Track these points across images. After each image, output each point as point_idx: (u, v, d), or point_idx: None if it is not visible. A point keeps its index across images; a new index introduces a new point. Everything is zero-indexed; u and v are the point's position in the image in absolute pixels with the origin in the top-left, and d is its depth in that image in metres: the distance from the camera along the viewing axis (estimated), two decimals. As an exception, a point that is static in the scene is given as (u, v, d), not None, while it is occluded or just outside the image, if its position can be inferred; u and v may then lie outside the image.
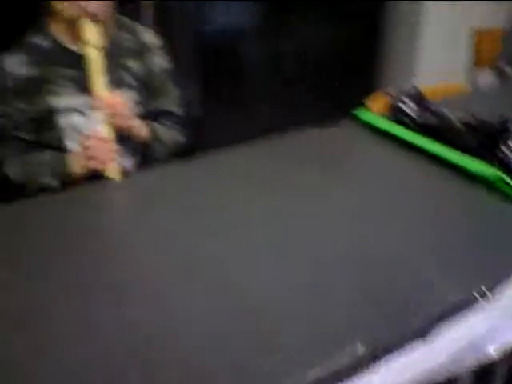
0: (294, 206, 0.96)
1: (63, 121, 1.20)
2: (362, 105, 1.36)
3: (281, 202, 0.97)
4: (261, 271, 0.78)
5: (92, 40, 1.12)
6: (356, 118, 1.30)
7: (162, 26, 2.66)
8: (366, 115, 1.30)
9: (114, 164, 1.14)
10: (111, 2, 1.15)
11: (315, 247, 0.84)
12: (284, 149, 1.19)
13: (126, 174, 1.22)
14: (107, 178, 1.13)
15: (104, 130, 1.14)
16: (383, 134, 1.22)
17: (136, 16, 2.10)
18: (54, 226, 0.91)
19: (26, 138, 1.22)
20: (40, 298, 0.73)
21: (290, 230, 0.88)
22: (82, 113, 1.21)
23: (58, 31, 1.19)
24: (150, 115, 1.30)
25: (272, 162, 1.13)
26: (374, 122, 1.26)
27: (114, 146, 1.14)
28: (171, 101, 1.34)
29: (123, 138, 1.23)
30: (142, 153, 1.30)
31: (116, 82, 1.21)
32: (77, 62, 1.16)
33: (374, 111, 1.33)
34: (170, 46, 2.61)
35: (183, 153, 1.46)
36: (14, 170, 1.24)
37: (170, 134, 1.33)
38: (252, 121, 2.50)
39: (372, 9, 2.75)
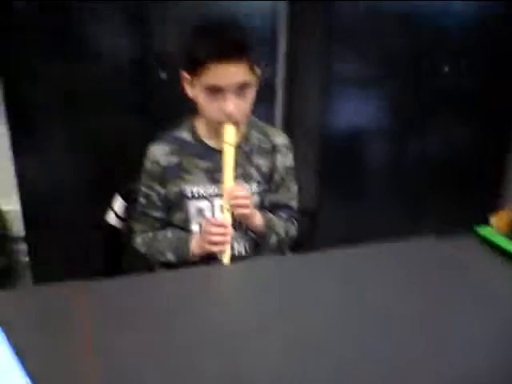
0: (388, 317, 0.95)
1: (192, 205, 1.34)
2: (485, 221, 1.32)
3: (375, 311, 0.97)
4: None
5: (228, 138, 1.25)
6: (477, 234, 1.27)
7: (290, 126, 2.86)
8: (487, 232, 1.26)
9: (228, 249, 1.24)
10: (249, 107, 1.28)
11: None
12: (394, 256, 1.19)
13: (238, 259, 1.33)
14: (220, 262, 1.22)
15: (224, 217, 1.25)
16: (505, 255, 1.18)
17: (268, 117, 2.30)
18: (165, 299, 0.99)
19: (158, 216, 1.37)
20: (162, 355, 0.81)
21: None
22: (209, 200, 1.33)
23: (200, 128, 1.35)
24: (268, 207, 1.40)
25: (377, 269, 1.14)
26: (496, 240, 1.22)
27: (231, 233, 1.24)
28: (290, 195, 1.42)
29: (241, 226, 1.34)
30: (257, 242, 1.38)
31: (243, 176, 1.34)
32: (212, 155, 1.30)
33: (497, 229, 1.28)
34: (295, 143, 2.77)
35: (296, 245, 1.54)
36: (142, 243, 1.39)
37: (285, 227, 1.40)
38: (368, 221, 2.51)
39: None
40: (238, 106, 1.23)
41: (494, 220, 1.34)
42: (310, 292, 1.04)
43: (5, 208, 2.49)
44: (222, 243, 1.23)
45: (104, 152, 2.20)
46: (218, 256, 1.25)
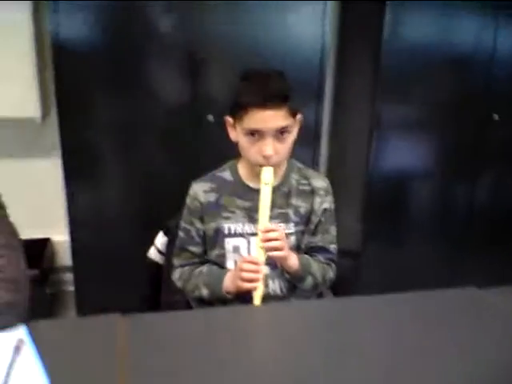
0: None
1: (228, 243, 1.36)
2: None
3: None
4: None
5: (265, 179, 1.29)
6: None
7: (334, 169, 2.87)
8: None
9: (260, 288, 1.25)
10: (288, 150, 1.32)
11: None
12: (434, 304, 1.16)
13: (273, 299, 1.34)
14: (252, 301, 1.23)
15: (258, 256, 1.27)
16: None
17: (313, 159, 2.32)
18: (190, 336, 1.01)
19: (196, 251, 1.40)
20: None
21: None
22: (245, 238, 1.36)
23: (241, 169, 1.39)
24: (306, 249, 1.40)
25: (414, 316, 1.12)
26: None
27: (263, 271, 1.26)
28: (328, 239, 1.42)
29: (276, 266, 1.35)
30: (293, 283, 1.38)
31: (281, 217, 1.36)
32: (251, 195, 1.34)
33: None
34: (340, 185, 2.76)
35: (337, 285, 1.53)
36: (179, 278, 1.42)
37: (322, 270, 1.40)
38: (410, 266, 2.46)
39: None
40: (276, 149, 1.27)
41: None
42: (338, 337, 1.03)
43: (55, 238, 2.60)
44: (254, 280, 1.24)
45: (151, 189, 2.29)
46: (251, 295, 1.26)
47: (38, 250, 2.48)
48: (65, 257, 2.51)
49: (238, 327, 1.08)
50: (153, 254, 1.63)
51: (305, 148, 2.31)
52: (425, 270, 2.50)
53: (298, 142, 2.31)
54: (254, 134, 1.26)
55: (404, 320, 1.11)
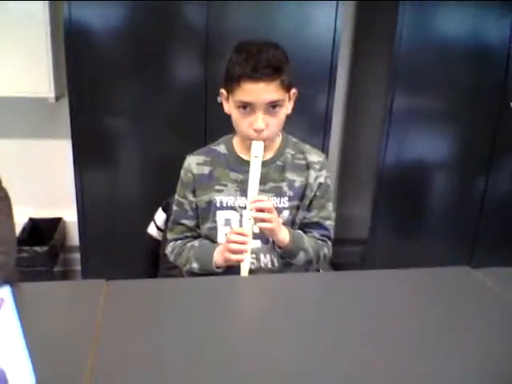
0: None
1: (220, 215, 1.36)
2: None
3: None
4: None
5: (255, 152, 1.27)
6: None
7: (347, 157, 2.84)
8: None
9: (247, 260, 1.25)
10: (280, 124, 1.30)
11: None
12: (422, 281, 1.15)
13: (265, 272, 1.34)
14: (239, 272, 1.23)
15: (247, 228, 1.25)
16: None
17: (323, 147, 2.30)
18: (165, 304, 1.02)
19: (189, 225, 1.40)
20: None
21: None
22: (237, 211, 1.35)
23: (236, 142, 1.38)
24: (301, 225, 1.39)
25: (399, 292, 1.10)
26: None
27: (250, 242, 1.24)
28: (324, 214, 1.40)
29: (268, 240, 1.34)
30: (285, 257, 1.36)
31: (275, 191, 1.35)
32: (244, 168, 1.32)
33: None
34: (353, 174, 2.72)
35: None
36: (171, 252, 1.42)
37: (316, 246, 1.37)
38: (420, 255, 2.41)
39: None
40: (267, 123, 1.26)
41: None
42: (316, 309, 1.02)
43: (68, 218, 2.64)
44: (241, 252, 1.24)
45: (160, 172, 2.30)
46: (238, 267, 1.26)
47: (49, 229, 2.53)
48: (77, 236, 2.54)
49: (220, 296, 1.08)
50: (152, 230, 1.64)
51: (315, 136, 2.30)
52: (435, 261, 2.45)
53: (308, 130, 2.35)
54: (246, 106, 1.25)
55: (397, 294, 1.09)
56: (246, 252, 1.24)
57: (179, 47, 2.18)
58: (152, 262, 1.67)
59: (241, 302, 1.10)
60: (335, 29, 2.19)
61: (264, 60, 1.21)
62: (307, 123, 2.34)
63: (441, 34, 2.29)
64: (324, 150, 2.33)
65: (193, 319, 0.96)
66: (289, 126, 1.44)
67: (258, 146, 1.27)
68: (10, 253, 1.11)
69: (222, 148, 1.39)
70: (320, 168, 1.38)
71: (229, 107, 1.31)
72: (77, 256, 2.46)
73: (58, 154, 2.46)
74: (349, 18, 2.60)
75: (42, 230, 2.57)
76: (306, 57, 2.23)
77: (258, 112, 1.24)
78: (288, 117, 1.32)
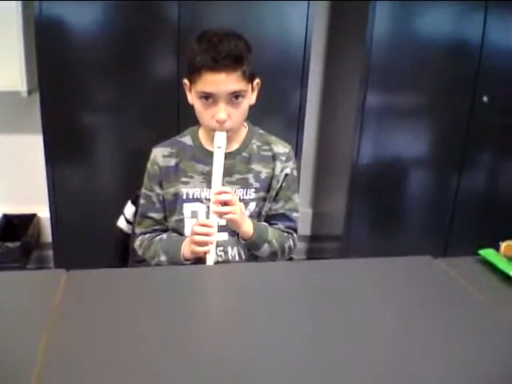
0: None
1: (186, 208, 1.35)
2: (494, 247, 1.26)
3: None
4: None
5: (218, 143, 1.27)
6: (482, 258, 1.20)
7: (322, 153, 2.85)
8: (489, 254, 1.19)
9: (213, 251, 1.25)
10: (242, 115, 1.30)
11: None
12: (388, 271, 1.15)
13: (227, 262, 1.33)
14: (205, 263, 1.23)
15: (212, 219, 1.25)
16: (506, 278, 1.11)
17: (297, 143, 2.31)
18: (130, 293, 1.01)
19: (157, 218, 1.40)
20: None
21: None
22: (203, 203, 1.35)
23: (201, 134, 1.38)
24: (267, 217, 1.39)
25: (366, 281, 1.11)
26: (495, 262, 1.15)
27: (215, 234, 1.24)
28: (290, 206, 1.40)
29: (235, 233, 1.34)
30: (249, 249, 1.37)
31: (241, 183, 1.35)
32: (210, 159, 1.31)
33: (503, 254, 1.21)
34: (327, 170, 2.72)
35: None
36: (140, 245, 1.41)
37: (280, 238, 1.38)
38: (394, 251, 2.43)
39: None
40: (230, 114, 1.25)
41: (503, 245, 1.26)
42: (283, 299, 1.02)
43: (42, 215, 2.61)
44: (206, 243, 1.23)
45: (134, 168, 2.27)
46: (204, 259, 1.26)
47: (23, 225, 2.51)
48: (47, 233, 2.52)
49: (184, 285, 1.07)
50: (121, 223, 1.63)
51: (289, 133, 2.30)
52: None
53: (281, 127, 2.35)
54: (208, 97, 1.24)
55: (361, 283, 1.10)
56: (211, 243, 1.24)
57: (152, 42, 2.17)
58: (122, 255, 1.66)
59: (206, 290, 1.09)
60: (307, 25, 2.19)
61: (225, 50, 1.20)
62: (281, 120, 2.35)
63: (414, 30, 2.31)
64: (298, 146, 2.33)
65: (154, 308, 0.95)
66: (262, 123, 1.45)
67: (220, 137, 1.27)
68: None
69: (187, 139, 1.39)
70: (286, 159, 1.39)
71: (192, 98, 1.30)
72: (50, 253, 2.43)
73: (31, 149, 2.42)
74: (322, 14, 2.60)
75: (16, 227, 2.54)
76: (278, 53, 2.24)
77: (220, 103, 1.24)
78: (261, 114, 1.32)
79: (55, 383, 0.73)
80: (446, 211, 2.56)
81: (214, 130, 1.27)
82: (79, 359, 0.78)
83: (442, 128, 2.48)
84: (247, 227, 1.30)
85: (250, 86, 1.28)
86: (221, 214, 1.25)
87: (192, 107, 1.32)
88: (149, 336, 0.85)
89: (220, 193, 1.24)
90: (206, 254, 1.25)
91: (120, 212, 1.62)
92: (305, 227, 2.87)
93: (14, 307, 0.94)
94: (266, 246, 1.34)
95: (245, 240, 1.33)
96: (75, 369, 0.76)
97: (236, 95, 1.24)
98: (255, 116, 1.41)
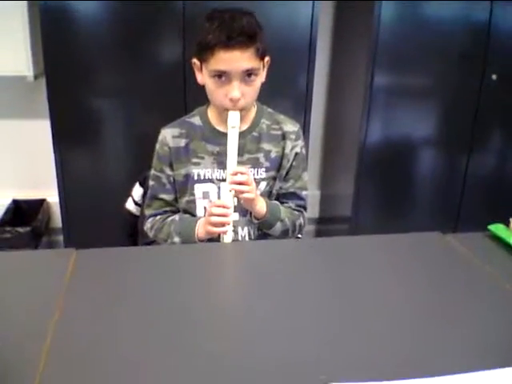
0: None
1: (198, 188, 1.35)
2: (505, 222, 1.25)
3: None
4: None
5: (232, 122, 1.27)
6: (491, 233, 1.20)
7: (329, 135, 2.84)
8: (499, 229, 1.19)
9: (230, 231, 1.24)
10: (255, 93, 1.30)
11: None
12: (397, 247, 1.16)
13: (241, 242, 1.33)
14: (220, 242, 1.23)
15: (227, 199, 1.25)
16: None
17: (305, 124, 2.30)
18: (144, 271, 1.02)
19: (167, 199, 1.40)
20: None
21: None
22: (214, 183, 1.35)
23: (211, 114, 1.37)
24: (277, 196, 1.39)
25: (378, 257, 1.11)
26: (505, 236, 1.15)
27: (232, 214, 1.25)
28: (300, 185, 1.41)
29: (245, 211, 1.34)
30: (263, 231, 1.37)
31: (252, 162, 1.35)
32: (220, 139, 1.32)
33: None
34: (335, 151, 2.70)
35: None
36: (151, 227, 1.41)
37: (292, 216, 1.38)
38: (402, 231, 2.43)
39: None
40: (243, 92, 1.24)
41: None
42: (300, 275, 1.02)
43: (52, 200, 2.63)
44: (222, 224, 1.23)
45: (141, 151, 2.28)
46: (220, 238, 1.26)
47: (33, 210, 2.52)
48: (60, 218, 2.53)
49: (196, 262, 1.07)
50: (130, 205, 1.64)
51: (296, 114, 2.29)
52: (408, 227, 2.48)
53: (289, 108, 2.33)
54: (221, 76, 1.23)
55: (370, 258, 1.10)
56: (228, 224, 1.24)
57: (157, 26, 2.16)
58: (131, 237, 1.66)
59: (218, 267, 1.09)
60: (314, 5, 2.17)
61: (238, 27, 1.19)
62: (288, 102, 2.34)
63: (422, 9, 2.28)
64: (306, 128, 2.33)
65: (164, 285, 0.95)
66: (269, 104, 1.44)
67: (234, 116, 1.27)
68: None
69: (196, 120, 1.38)
70: (296, 138, 1.38)
71: (202, 77, 1.29)
72: (60, 238, 2.45)
73: (39, 133, 2.43)
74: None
75: (26, 212, 2.56)
76: (285, 33, 2.22)
77: (234, 81, 1.23)
78: (269, 95, 1.31)
79: (65, 358, 0.74)
80: (456, 192, 2.55)
81: (227, 110, 1.27)
82: (89, 335, 0.79)
83: (450, 108, 2.46)
84: (261, 206, 1.30)
85: (261, 63, 1.27)
86: (239, 193, 1.24)
87: (198, 87, 1.32)
88: (159, 313, 0.86)
89: (236, 173, 1.24)
90: (221, 234, 1.25)
91: (128, 195, 1.63)
92: (313, 209, 2.88)
93: (24, 285, 0.94)
94: (278, 225, 1.34)
95: (258, 219, 1.33)
96: (85, 344, 0.77)
97: (249, 73, 1.23)
98: (262, 98, 1.40)
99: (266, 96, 1.42)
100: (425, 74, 2.40)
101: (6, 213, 2.48)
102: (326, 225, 2.88)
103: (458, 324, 0.86)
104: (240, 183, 1.24)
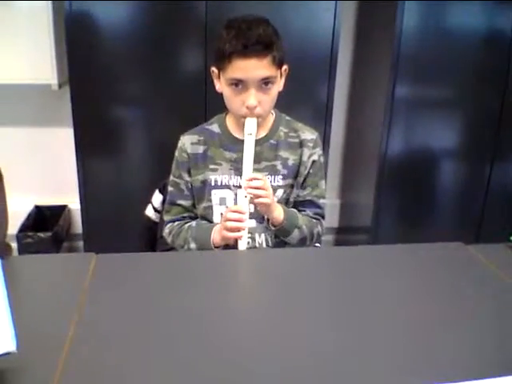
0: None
1: (215, 194, 1.36)
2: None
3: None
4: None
5: (249, 129, 1.27)
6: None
7: (350, 145, 2.83)
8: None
9: (245, 238, 1.24)
10: (272, 101, 1.30)
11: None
12: (417, 257, 1.14)
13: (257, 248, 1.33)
14: (236, 248, 1.23)
15: (243, 205, 1.25)
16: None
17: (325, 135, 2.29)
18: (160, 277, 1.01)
19: (186, 205, 1.40)
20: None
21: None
22: (231, 190, 1.35)
23: (229, 121, 1.38)
24: (295, 203, 1.39)
25: (395, 267, 1.09)
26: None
27: (247, 220, 1.25)
28: (317, 193, 1.40)
29: (262, 220, 1.34)
30: (279, 236, 1.36)
31: (269, 169, 1.35)
32: (238, 146, 1.33)
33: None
34: (356, 161, 2.69)
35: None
36: (169, 233, 1.42)
37: (310, 224, 1.37)
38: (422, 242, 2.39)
39: None
40: (260, 100, 1.25)
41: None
42: (314, 284, 1.02)
43: (73, 206, 2.66)
44: (238, 229, 1.24)
45: (162, 160, 2.30)
46: (235, 244, 1.26)
47: (54, 216, 2.56)
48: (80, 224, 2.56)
49: (213, 269, 1.08)
50: (149, 212, 1.65)
51: (317, 123, 2.28)
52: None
53: (310, 118, 2.33)
54: (238, 84, 1.24)
55: (391, 268, 1.10)
56: (243, 229, 1.24)
57: (179, 34, 2.19)
58: (150, 243, 1.67)
59: (235, 274, 1.10)
60: (335, 16, 2.17)
61: (255, 36, 1.20)
62: (309, 111, 2.35)
63: (444, 20, 2.27)
64: (326, 137, 2.32)
65: (182, 291, 0.96)
66: (290, 113, 1.44)
67: (251, 123, 1.27)
68: (1, 226, 1.12)
69: (215, 127, 1.39)
70: (313, 146, 1.38)
71: (220, 85, 1.30)
72: (80, 244, 2.48)
73: (63, 140, 2.47)
74: (351, 5, 2.58)
75: (48, 218, 2.60)
76: (307, 43, 2.23)
77: (251, 89, 1.24)
78: (289, 104, 1.31)
79: (84, 359, 0.74)
80: (478, 202, 2.51)
81: (244, 117, 1.27)
82: (107, 338, 0.80)
83: (472, 119, 2.42)
84: (278, 213, 1.30)
85: (279, 72, 1.27)
86: (255, 198, 1.24)
87: (219, 96, 1.32)
88: (177, 318, 0.86)
89: (251, 179, 1.24)
90: (237, 240, 1.25)
91: (148, 202, 1.64)
92: (333, 219, 2.86)
93: (45, 288, 0.96)
94: (296, 232, 1.34)
95: (275, 226, 1.32)
96: (103, 347, 0.78)
97: (266, 81, 1.24)
98: (283, 106, 1.40)
99: (287, 104, 1.42)
100: (446, 84, 2.37)
101: (28, 218, 2.52)
102: (345, 234, 2.85)
103: (478, 335, 0.85)
104: (256, 188, 1.24)
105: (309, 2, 2.18)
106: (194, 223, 1.39)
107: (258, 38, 1.20)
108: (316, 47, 2.24)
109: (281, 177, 1.36)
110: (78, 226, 2.63)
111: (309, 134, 1.39)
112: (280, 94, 1.31)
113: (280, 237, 1.36)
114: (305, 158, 1.36)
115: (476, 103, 2.39)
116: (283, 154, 1.36)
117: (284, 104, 1.38)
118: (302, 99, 2.30)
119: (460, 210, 2.54)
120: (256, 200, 1.25)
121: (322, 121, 2.32)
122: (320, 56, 2.25)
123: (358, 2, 2.62)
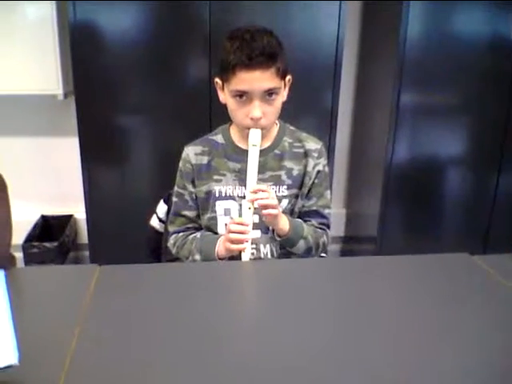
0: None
1: (219, 205, 1.35)
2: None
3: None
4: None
5: (254, 141, 1.27)
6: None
7: (355, 154, 2.82)
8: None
9: (248, 249, 1.24)
10: (276, 112, 1.30)
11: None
12: (423, 268, 1.13)
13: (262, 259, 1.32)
14: (240, 259, 1.23)
15: (247, 217, 1.25)
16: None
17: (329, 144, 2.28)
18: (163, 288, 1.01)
19: (190, 216, 1.40)
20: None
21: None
22: (236, 201, 1.34)
23: (233, 132, 1.38)
24: (300, 214, 1.38)
25: (403, 278, 1.08)
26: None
27: (250, 232, 1.24)
28: (322, 203, 1.39)
29: (267, 230, 1.34)
30: (285, 249, 1.36)
31: (274, 180, 1.34)
32: (242, 157, 1.32)
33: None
34: (361, 170, 2.67)
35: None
36: (173, 244, 1.41)
37: (315, 234, 1.37)
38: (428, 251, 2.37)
39: None
40: (264, 111, 1.25)
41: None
42: (319, 295, 1.01)
43: (79, 216, 2.67)
44: (241, 241, 1.23)
45: (167, 171, 2.31)
46: (239, 255, 1.25)
47: (60, 226, 2.56)
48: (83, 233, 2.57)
49: (217, 280, 1.07)
50: (154, 222, 1.65)
51: (322, 132, 2.28)
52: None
53: (314, 126, 2.33)
54: (242, 95, 1.24)
55: (397, 279, 1.09)
56: (246, 241, 1.23)
57: (183, 44, 2.19)
58: (155, 254, 1.67)
59: (240, 285, 1.09)
60: (339, 23, 2.18)
61: (258, 48, 1.19)
62: (313, 119, 2.34)
63: (448, 27, 2.26)
64: (331, 146, 2.32)
65: (185, 302, 0.95)
66: (295, 122, 1.44)
67: (255, 134, 1.27)
68: (5, 237, 1.12)
69: (219, 138, 1.39)
70: (318, 156, 1.37)
71: (224, 96, 1.30)
72: (86, 253, 2.48)
73: (68, 151, 2.48)
74: (355, 12, 2.58)
75: (54, 227, 2.60)
76: (311, 51, 2.23)
77: (255, 100, 1.23)
78: (294, 113, 1.30)
79: (86, 372, 0.74)
80: (485, 212, 2.49)
81: (248, 128, 1.27)
82: (109, 351, 0.79)
83: (478, 127, 2.41)
84: (284, 223, 1.29)
85: (283, 82, 1.27)
86: (262, 208, 1.24)
87: (224, 106, 1.32)
88: (180, 330, 0.86)
89: (256, 191, 1.24)
90: (240, 252, 1.25)
91: (153, 212, 1.64)
92: (339, 228, 2.85)
93: (48, 300, 0.96)
94: (301, 243, 1.33)
95: (280, 237, 1.32)
96: (105, 359, 0.77)
97: (270, 92, 1.24)
98: (288, 115, 1.40)
99: (292, 113, 1.41)
100: (452, 92, 2.36)
101: (34, 228, 2.53)
102: (351, 244, 2.84)
103: (485, 347, 0.83)
104: (259, 198, 1.23)
105: (313, 10, 2.18)
106: (198, 234, 1.39)
107: (262, 50, 1.19)
108: (320, 55, 2.24)
109: (285, 187, 1.35)
110: (83, 236, 2.63)
111: (313, 144, 1.38)
112: (285, 102, 1.31)
113: (286, 247, 1.35)
114: (309, 168, 1.36)
115: (482, 111, 2.38)
116: (288, 164, 1.36)
117: (289, 113, 1.38)
118: (307, 108, 2.29)
119: (466, 220, 2.52)
120: (264, 211, 1.25)
121: (326, 129, 2.32)
122: (324, 64, 2.25)
123: (362, 10, 2.62)
